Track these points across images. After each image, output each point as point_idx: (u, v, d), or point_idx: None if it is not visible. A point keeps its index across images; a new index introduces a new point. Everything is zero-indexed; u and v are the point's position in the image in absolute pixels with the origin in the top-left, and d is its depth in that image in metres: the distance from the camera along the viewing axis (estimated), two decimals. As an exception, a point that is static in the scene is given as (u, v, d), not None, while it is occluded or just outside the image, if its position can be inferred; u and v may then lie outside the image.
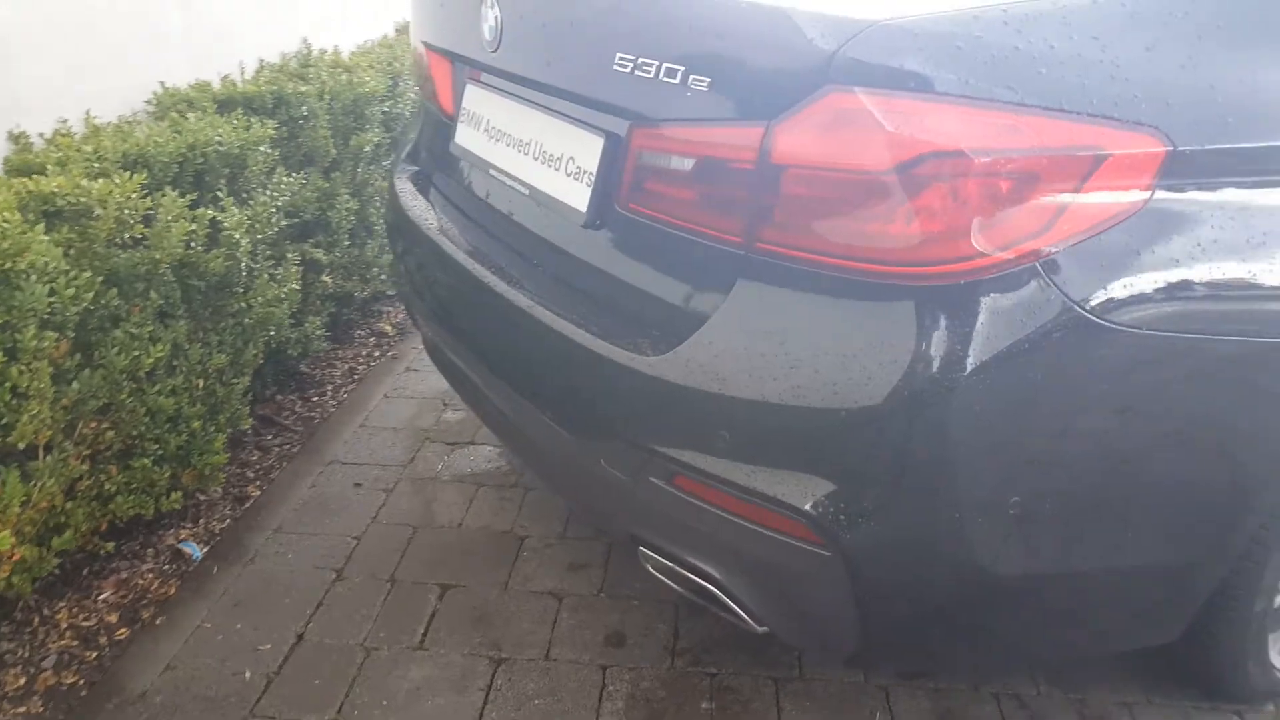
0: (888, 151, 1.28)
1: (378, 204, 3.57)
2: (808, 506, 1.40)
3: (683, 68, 1.43)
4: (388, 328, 3.83)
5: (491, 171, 2.04)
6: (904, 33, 1.28)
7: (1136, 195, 1.36)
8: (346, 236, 3.32)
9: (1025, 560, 1.47)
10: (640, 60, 1.49)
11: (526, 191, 1.91)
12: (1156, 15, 1.39)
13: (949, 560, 1.43)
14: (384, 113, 3.51)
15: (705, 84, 1.41)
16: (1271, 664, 1.93)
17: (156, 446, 2.29)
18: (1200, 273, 1.39)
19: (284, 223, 2.80)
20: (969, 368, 1.30)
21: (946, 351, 1.31)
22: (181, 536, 2.50)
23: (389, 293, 3.88)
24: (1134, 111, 1.33)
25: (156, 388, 2.27)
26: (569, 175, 1.77)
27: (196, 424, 2.39)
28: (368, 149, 3.38)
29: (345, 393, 3.33)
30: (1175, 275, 1.38)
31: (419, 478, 2.81)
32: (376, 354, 3.65)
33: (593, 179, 1.69)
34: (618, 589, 2.36)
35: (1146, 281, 1.37)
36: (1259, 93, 1.41)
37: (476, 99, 2.13)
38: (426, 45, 2.35)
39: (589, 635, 2.20)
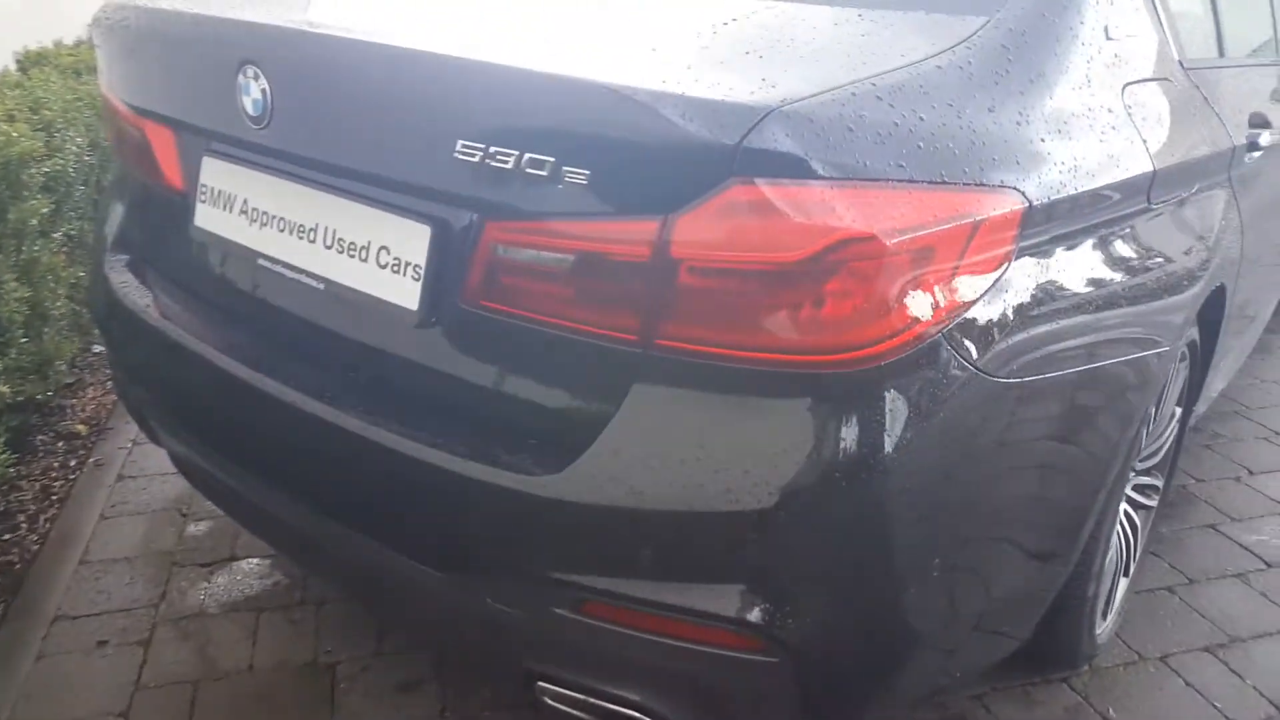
0: (799, 240, 1.23)
1: (51, 284, 2.98)
2: (752, 616, 1.34)
3: (552, 159, 1.28)
4: (79, 427, 3.23)
5: (260, 261, 1.74)
6: (799, 118, 1.23)
7: (1006, 251, 1.42)
8: (21, 331, 2.73)
9: (944, 613, 1.52)
10: (493, 150, 1.32)
11: (320, 286, 1.64)
12: (989, 76, 1.45)
13: (886, 634, 1.44)
14: (45, 175, 2.91)
15: (583, 177, 1.27)
16: (1095, 634, 2.16)
17: None
18: (1049, 317, 1.49)
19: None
20: (895, 444, 1.30)
21: (873, 432, 1.29)
22: None
23: (71, 382, 3.28)
24: (995, 173, 1.38)
25: None
26: (382, 267, 1.55)
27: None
28: (34, 222, 2.79)
29: (46, 521, 2.76)
30: (1035, 324, 1.47)
31: (179, 617, 2.38)
32: (73, 463, 3.06)
33: (420, 272, 1.48)
34: (463, 705, 2.15)
35: (1018, 333, 1.44)
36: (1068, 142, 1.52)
37: (223, 175, 1.80)
38: (136, 110, 1.96)
39: (447, 767, 1.98)
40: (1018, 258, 1.43)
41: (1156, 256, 1.81)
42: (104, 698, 2.12)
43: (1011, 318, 1.43)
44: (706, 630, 1.37)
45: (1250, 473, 3.25)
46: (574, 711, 1.58)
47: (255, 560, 2.60)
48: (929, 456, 1.35)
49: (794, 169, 1.22)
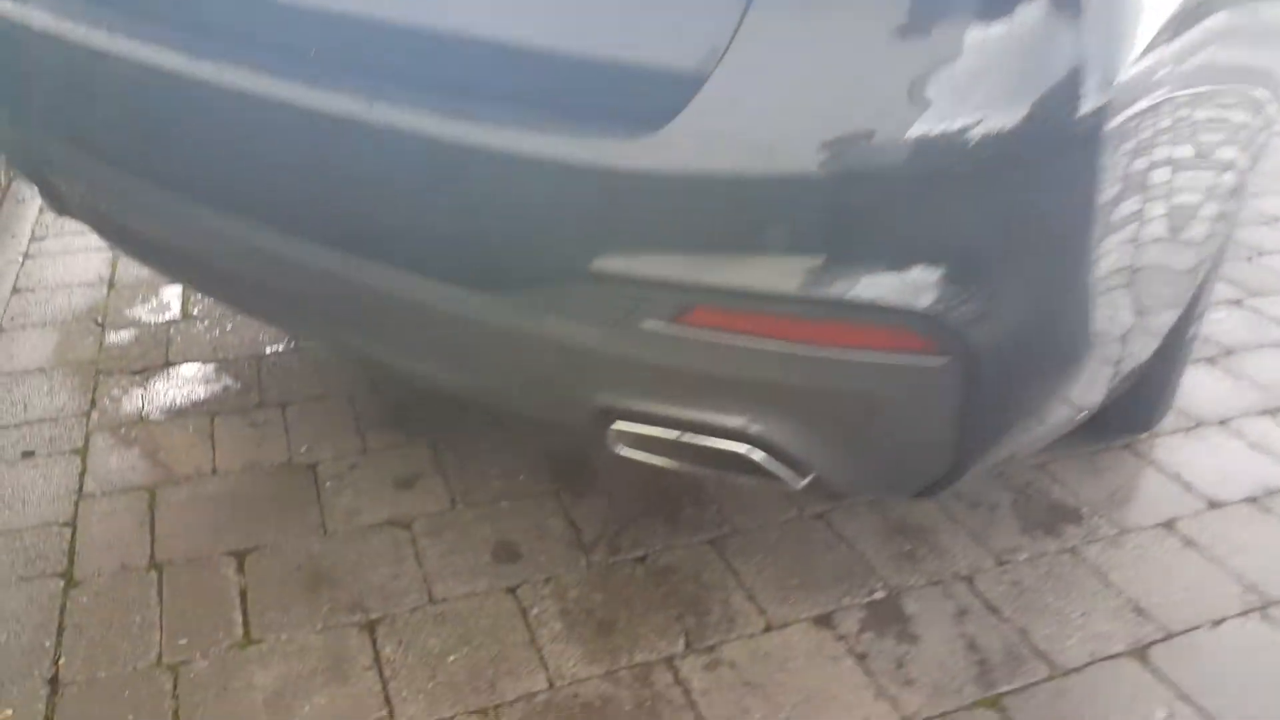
0: None
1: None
2: (926, 306, 1.10)
3: None
4: (-48, 241, 2.83)
5: None
6: None
7: None
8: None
9: (1117, 330, 1.34)
10: None
11: None
12: None
13: (1068, 339, 1.25)
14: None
15: None
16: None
17: None
18: None
19: None
20: (1130, 84, 1.09)
21: (1109, 61, 1.06)
22: None
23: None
24: None
25: None
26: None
27: None
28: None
29: (-71, 337, 2.40)
30: None
31: (117, 425, 2.09)
32: (-50, 278, 2.68)
33: None
34: (474, 494, 1.94)
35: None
36: None
37: None
38: None
39: (471, 558, 1.79)
40: None
41: None
42: (43, 508, 1.85)
43: None
44: (857, 329, 1.14)
45: (1259, 254, 3.23)
46: (658, 458, 1.38)
47: (196, 365, 2.31)
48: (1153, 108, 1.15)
49: None
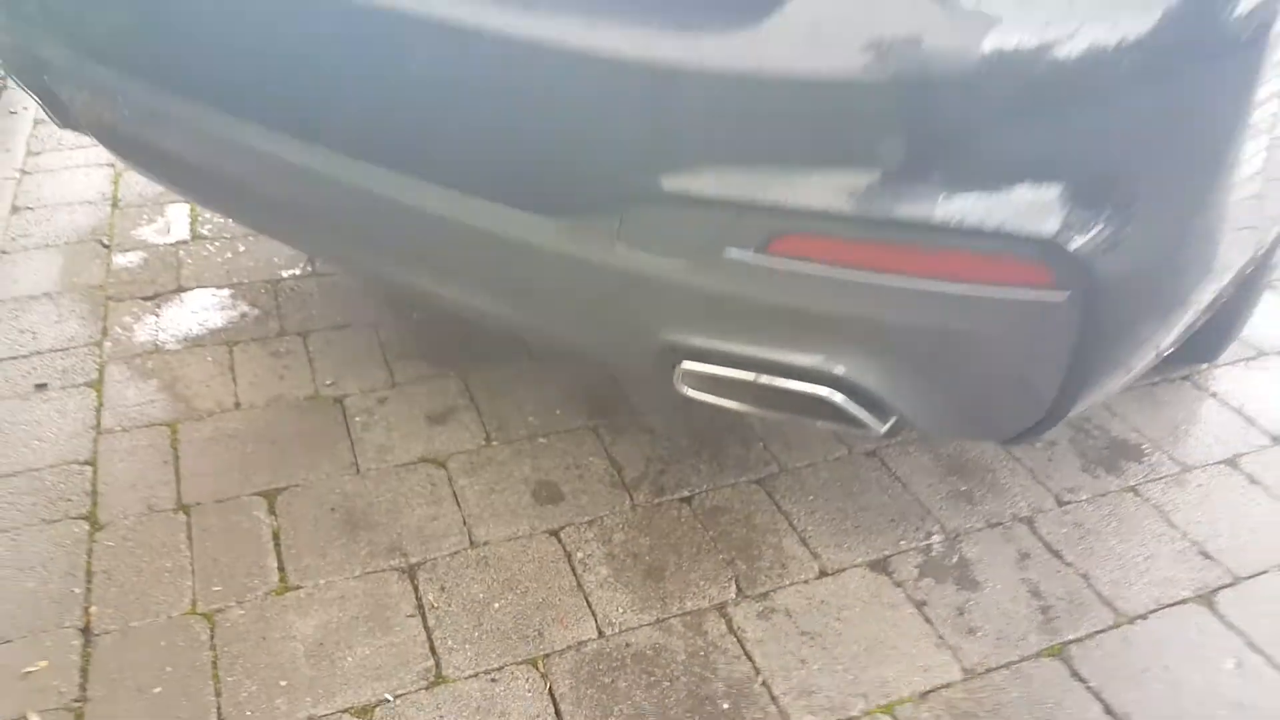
0: None
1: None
2: (1053, 234, 1.02)
3: None
4: (-57, 155, 2.72)
5: None
6: None
7: None
8: None
9: (1223, 257, 1.26)
10: None
11: None
12: None
13: (1187, 272, 1.18)
14: None
15: None
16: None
17: None
18: None
19: None
20: None
21: None
22: None
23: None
24: None
25: None
26: None
27: None
28: None
29: (-73, 260, 2.31)
30: None
31: (132, 355, 2.03)
32: (-56, 196, 2.57)
33: None
34: (509, 430, 1.89)
35: None
36: None
37: None
38: None
39: (510, 499, 1.74)
40: None
41: None
42: (60, 445, 1.79)
43: None
44: (969, 259, 1.07)
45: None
46: (726, 401, 1.31)
47: (211, 290, 2.23)
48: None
49: None
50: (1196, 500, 1.82)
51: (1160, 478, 1.87)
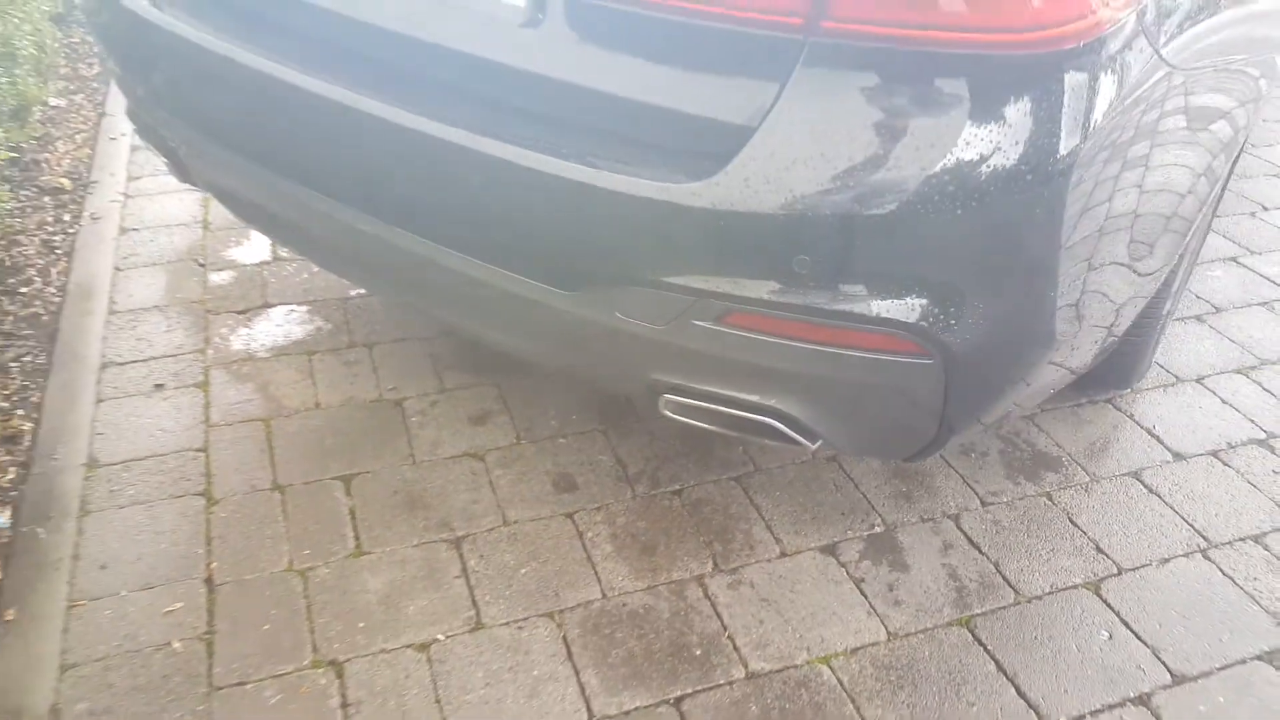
0: None
1: (16, 19, 2.84)
2: (916, 318, 1.42)
3: None
4: (62, 181, 3.18)
5: None
6: None
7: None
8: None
9: (1080, 318, 1.65)
10: None
11: None
12: None
13: (1032, 335, 1.56)
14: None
15: None
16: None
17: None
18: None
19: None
20: (1087, 133, 1.34)
21: (1067, 120, 1.33)
22: (-39, 507, 2.05)
23: (38, 136, 3.19)
24: None
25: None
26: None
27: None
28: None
29: (57, 274, 2.77)
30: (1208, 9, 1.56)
31: (230, 361, 2.48)
32: (66, 217, 3.04)
33: None
34: (535, 431, 2.32)
35: (1185, 14, 1.51)
36: None
37: None
38: None
39: (535, 487, 2.17)
40: None
41: None
42: (179, 434, 2.24)
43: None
44: (861, 334, 1.46)
45: (1264, 208, 3.46)
46: (697, 422, 1.73)
47: (292, 306, 2.67)
48: (1105, 149, 1.41)
49: None
50: (1099, 505, 2.21)
51: (1072, 486, 2.26)
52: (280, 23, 1.83)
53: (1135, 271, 1.89)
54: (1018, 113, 1.32)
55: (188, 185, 2.28)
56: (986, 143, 1.31)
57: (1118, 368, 2.38)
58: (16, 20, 2.83)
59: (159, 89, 2.05)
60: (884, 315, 1.42)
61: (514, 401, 2.39)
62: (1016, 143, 1.31)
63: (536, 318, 1.72)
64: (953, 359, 1.47)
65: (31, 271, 2.76)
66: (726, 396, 1.65)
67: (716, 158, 1.38)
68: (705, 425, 1.73)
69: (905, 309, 1.42)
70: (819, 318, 1.45)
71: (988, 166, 1.32)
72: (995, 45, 1.30)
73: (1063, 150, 1.34)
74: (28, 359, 2.45)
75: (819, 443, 1.67)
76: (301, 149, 1.79)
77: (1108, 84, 1.36)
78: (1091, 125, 1.36)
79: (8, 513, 2.03)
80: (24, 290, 2.68)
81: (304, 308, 2.67)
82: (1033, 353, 1.60)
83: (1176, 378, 2.61)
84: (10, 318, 2.57)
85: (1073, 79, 1.32)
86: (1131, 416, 2.48)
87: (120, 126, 3.54)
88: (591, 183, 1.45)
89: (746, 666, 1.82)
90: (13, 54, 2.82)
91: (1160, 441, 2.40)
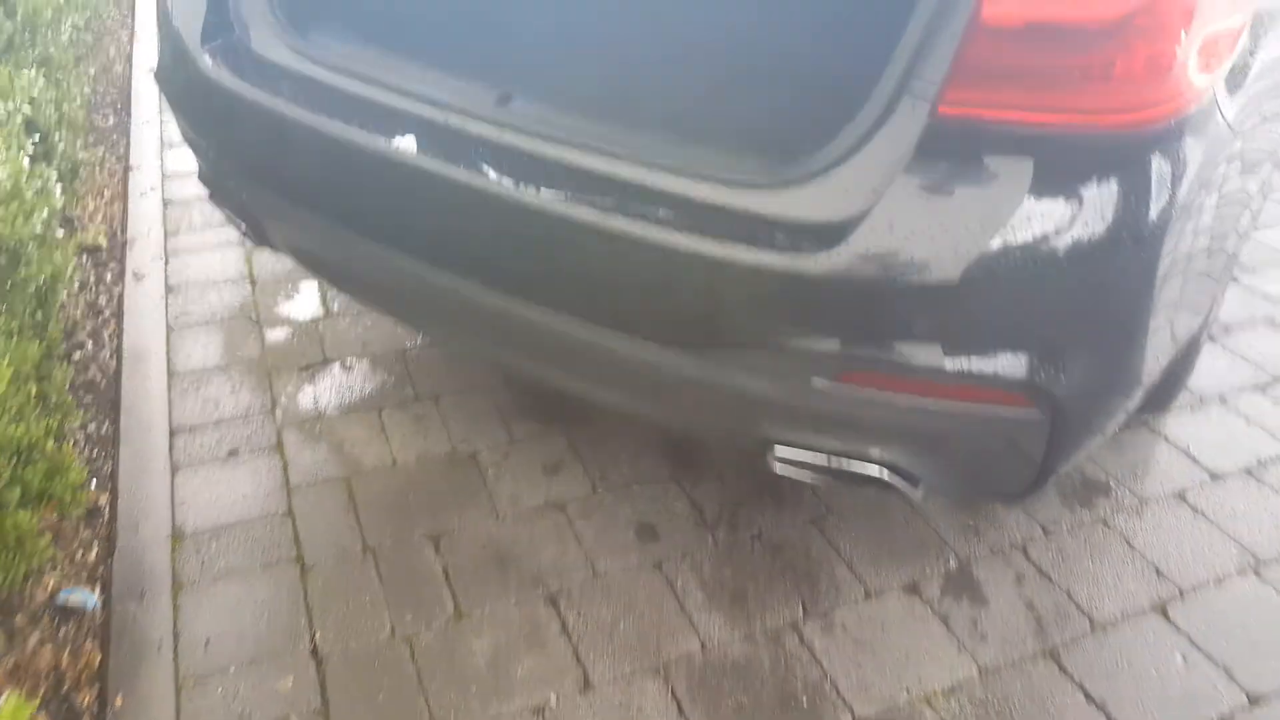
0: None
1: (66, 83, 2.74)
2: (1026, 375, 1.44)
3: None
4: (98, 239, 3.07)
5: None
6: None
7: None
8: (57, 135, 2.54)
9: (1159, 361, 1.67)
10: None
11: None
12: None
13: (1126, 385, 1.59)
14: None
15: None
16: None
17: (18, 489, 1.72)
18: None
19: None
20: (1176, 197, 1.38)
21: (1159, 188, 1.37)
22: (53, 587, 1.95)
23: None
24: None
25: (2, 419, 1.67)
26: None
27: (49, 443, 1.81)
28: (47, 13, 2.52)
29: (109, 337, 2.67)
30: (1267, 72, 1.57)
31: (301, 421, 2.40)
32: (108, 277, 2.93)
33: None
34: (609, 479, 2.27)
35: (1252, 84, 1.54)
36: None
37: None
38: None
39: (619, 537, 2.13)
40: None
41: None
42: (262, 501, 2.16)
43: (1254, 66, 1.52)
44: (973, 391, 1.48)
45: (1254, 229, 3.51)
46: (806, 474, 1.71)
47: (352, 359, 2.60)
48: (1187, 208, 1.44)
49: None
50: (1152, 528, 2.22)
51: (1123, 510, 2.27)
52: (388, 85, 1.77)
53: (1196, 309, 1.92)
54: (1117, 184, 1.35)
55: (265, 247, 2.20)
56: (1090, 212, 1.35)
57: (1158, 391, 2.39)
58: (66, 84, 2.71)
59: (243, 154, 1.98)
60: (995, 373, 1.44)
61: (583, 449, 2.35)
62: (1116, 211, 1.35)
63: (653, 379, 1.69)
64: (1059, 410, 1.49)
65: (81, 335, 2.65)
66: (839, 450, 1.64)
67: (843, 227, 1.39)
68: (812, 478, 1.72)
69: (1015, 366, 1.44)
70: (934, 376, 1.46)
71: (1091, 233, 1.36)
72: (1099, 125, 1.33)
73: (1158, 215, 1.38)
74: (92, 427, 2.35)
75: (922, 489, 1.66)
76: (421, 222, 1.75)
77: (1193, 152, 1.40)
78: (1180, 190, 1.40)
79: (97, 592, 1.95)
80: (76, 355, 2.57)
81: (365, 361, 2.60)
82: (1124, 397, 1.63)
83: (1201, 398, 2.63)
84: (67, 385, 2.46)
85: (1167, 151, 1.37)
86: (1166, 438, 2.49)
87: (149, 180, 3.43)
88: (726, 257, 1.44)
89: (853, 712, 1.80)
90: (62, 118, 2.71)
91: (1197, 462, 2.42)
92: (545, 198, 1.54)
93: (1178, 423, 2.54)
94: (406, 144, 1.67)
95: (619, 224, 1.50)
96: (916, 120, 1.35)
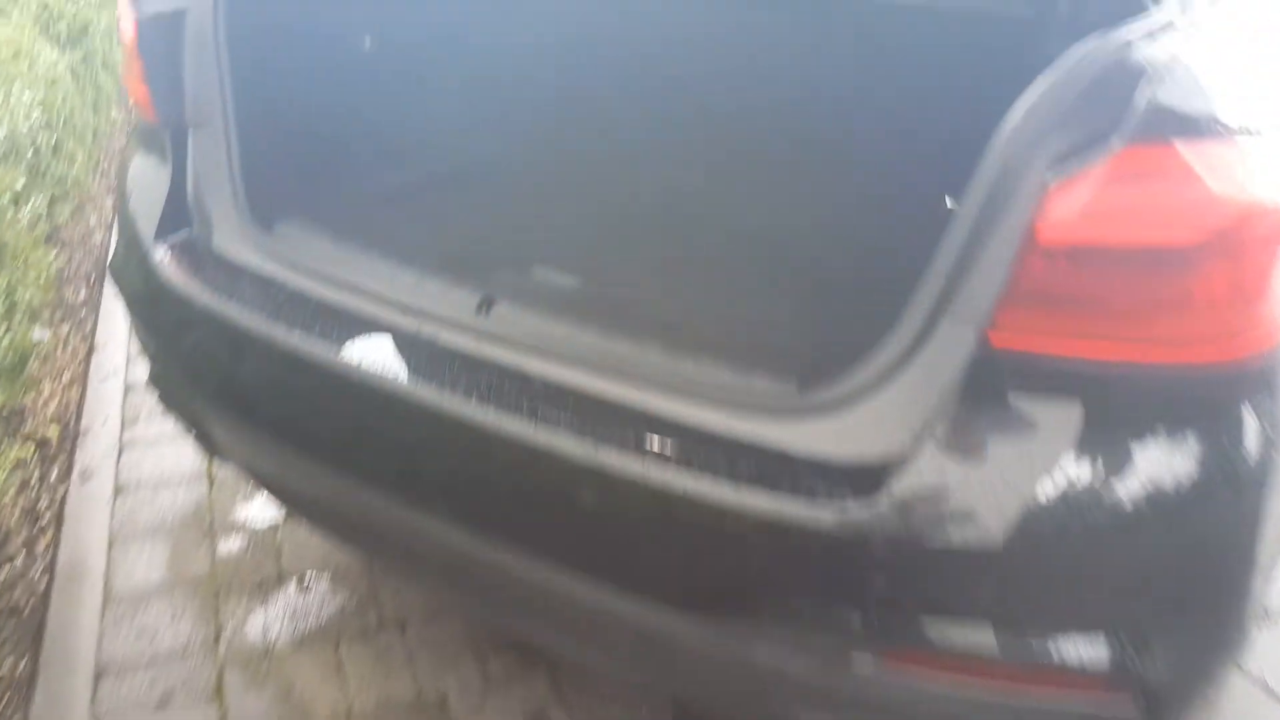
0: (1209, 212, 1.04)
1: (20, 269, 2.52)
2: (1111, 660, 1.16)
3: None
4: (49, 431, 2.79)
5: None
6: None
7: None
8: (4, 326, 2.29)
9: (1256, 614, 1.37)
10: None
11: None
12: None
13: (1229, 645, 1.29)
14: None
15: None
16: None
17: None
18: None
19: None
20: (1272, 436, 1.15)
21: (1252, 428, 1.14)
22: None
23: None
24: None
25: None
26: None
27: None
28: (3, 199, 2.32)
29: (45, 548, 2.36)
30: None
31: (246, 659, 2.06)
32: (53, 474, 2.64)
33: None
34: (600, 729, 1.93)
35: None
36: None
37: None
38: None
39: (613, 811, 1.77)
40: None
41: None
42: (190, 767, 1.81)
43: None
44: (1049, 677, 1.18)
45: None
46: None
47: (311, 575, 2.29)
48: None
49: (1199, 128, 1.05)
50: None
51: None
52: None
53: None
54: (1211, 425, 1.13)
55: (218, 458, 1.92)
56: (1174, 458, 1.12)
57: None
58: (21, 270, 2.48)
59: (193, 363, 1.73)
60: (1073, 659, 1.16)
61: (568, 691, 2.01)
62: (1212, 456, 1.12)
63: (663, 645, 1.40)
64: (1150, 692, 1.20)
65: (14, 545, 2.34)
66: None
67: (882, 475, 1.14)
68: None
69: (1095, 649, 1.16)
70: (998, 660, 1.17)
71: (1177, 483, 1.12)
72: (1186, 361, 1.11)
73: (1257, 457, 1.14)
74: (8, 664, 2.01)
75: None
76: (387, 451, 1.49)
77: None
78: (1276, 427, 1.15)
79: None
80: (3, 573, 2.25)
81: (324, 577, 2.28)
82: (1232, 656, 1.33)
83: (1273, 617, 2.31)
84: (-13, 612, 2.14)
85: (1261, 383, 1.15)
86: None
87: (113, 362, 3.18)
88: (734, 504, 1.20)
89: None
90: (14, 303, 2.47)
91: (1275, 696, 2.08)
92: (528, 427, 1.30)
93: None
94: (375, 360, 1.44)
95: (613, 460, 1.25)
96: (963, 346, 1.12)
